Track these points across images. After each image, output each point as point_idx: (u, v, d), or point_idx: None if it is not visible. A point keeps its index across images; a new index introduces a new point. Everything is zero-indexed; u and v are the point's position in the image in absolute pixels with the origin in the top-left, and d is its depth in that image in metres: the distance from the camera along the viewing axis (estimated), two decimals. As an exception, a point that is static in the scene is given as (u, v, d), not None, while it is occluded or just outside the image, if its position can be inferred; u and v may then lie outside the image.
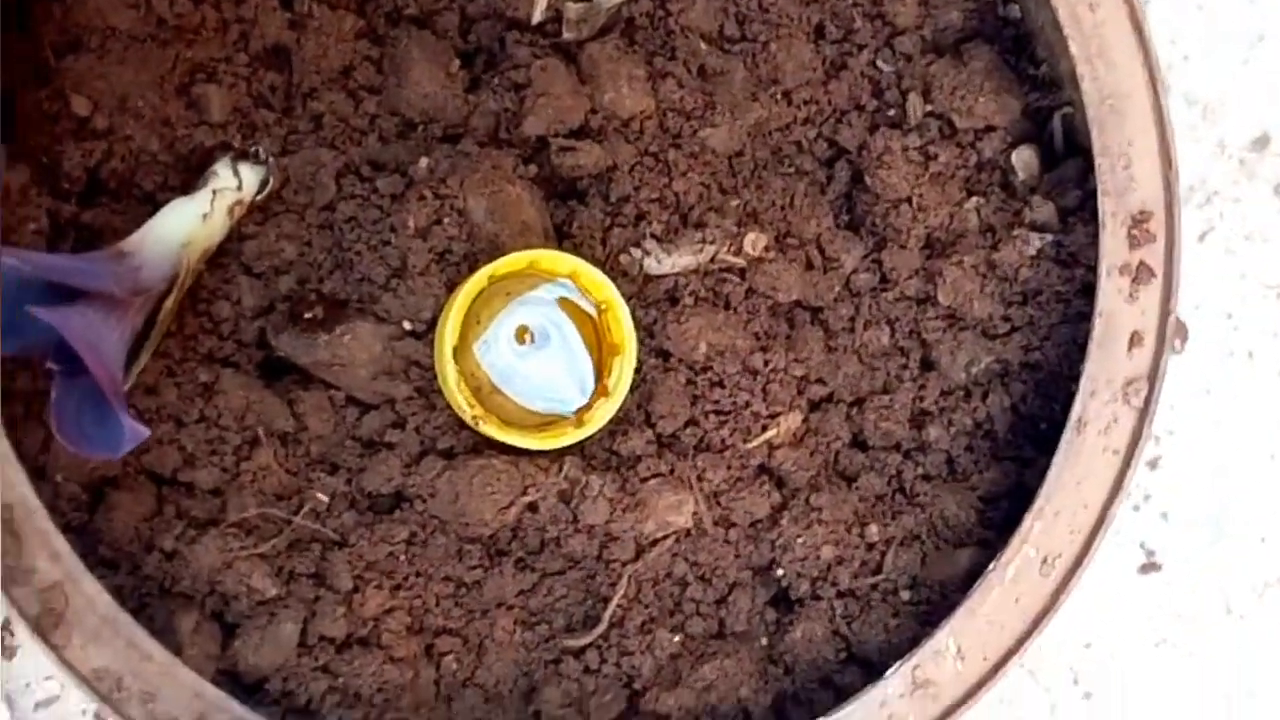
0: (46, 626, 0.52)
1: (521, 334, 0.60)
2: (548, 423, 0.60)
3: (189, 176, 0.59)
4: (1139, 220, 0.58)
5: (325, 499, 0.58)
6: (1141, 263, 0.58)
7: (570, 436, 0.59)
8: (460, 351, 0.58)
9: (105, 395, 0.49)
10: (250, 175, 0.58)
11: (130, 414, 0.49)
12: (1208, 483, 0.76)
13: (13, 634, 0.69)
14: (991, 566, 0.57)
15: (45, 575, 0.52)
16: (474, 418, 0.57)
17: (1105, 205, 0.58)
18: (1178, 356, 0.64)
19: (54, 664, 0.52)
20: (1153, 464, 0.66)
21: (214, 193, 0.57)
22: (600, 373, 0.61)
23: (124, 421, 0.49)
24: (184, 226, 0.55)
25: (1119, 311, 0.58)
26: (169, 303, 0.55)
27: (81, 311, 0.49)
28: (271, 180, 0.59)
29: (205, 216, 0.56)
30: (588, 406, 0.60)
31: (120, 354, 0.51)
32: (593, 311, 0.60)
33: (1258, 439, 0.76)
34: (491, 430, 0.58)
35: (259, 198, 0.59)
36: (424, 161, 0.59)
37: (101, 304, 0.50)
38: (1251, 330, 0.76)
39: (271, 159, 0.59)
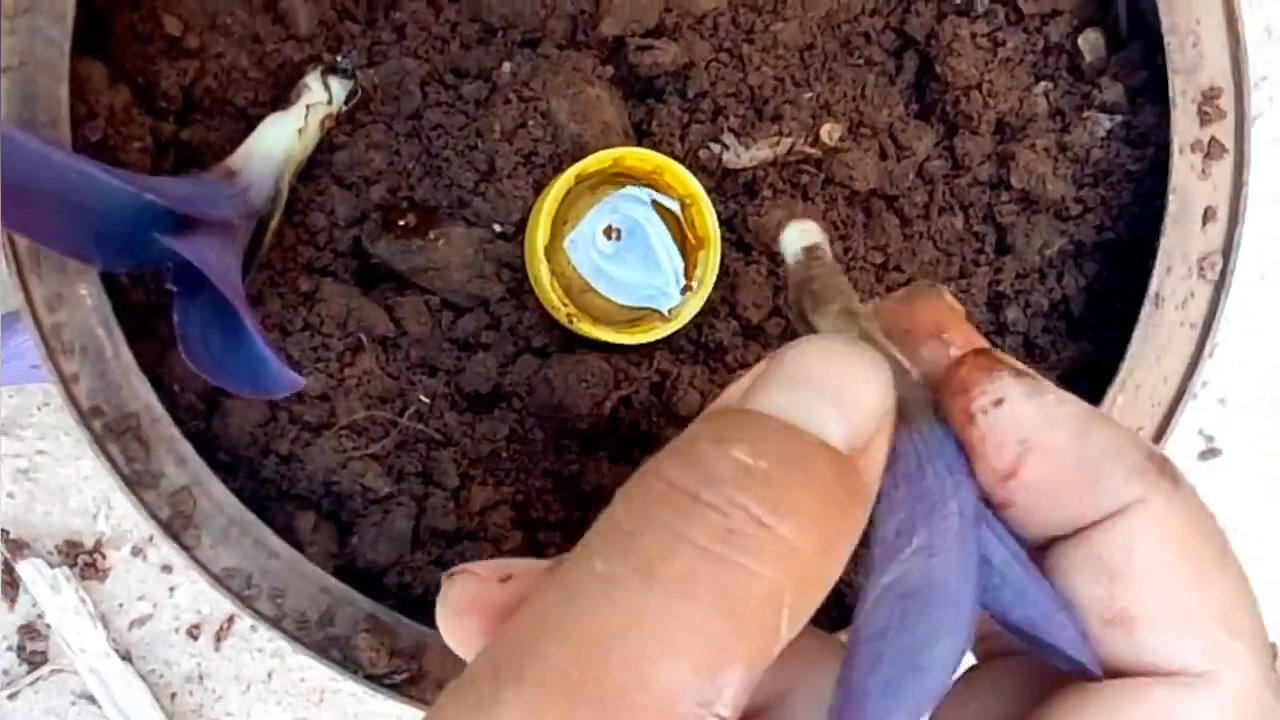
0: (177, 528, 0.54)
1: (609, 232, 0.61)
2: (637, 318, 0.62)
3: (279, 91, 0.60)
4: (1209, 97, 0.59)
5: (427, 400, 0.60)
6: (1213, 139, 0.59)
7: (659, 331, 0.61)
8: (551, 251, 0.60)
9: (248, 330, 0.50)
10: (339, 88, 0.60)
11: (280, 355, 0.50)
12: (1265, 369, 0.77)
13: (105, 556, 0.71)
14: (1075, 440, 0.59)
15: (173, 479, 0.55)
16: (568, 315, 0.59)
17: (1175, 83, 0.59)
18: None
19: (186, 563, 0.54)
20: (1209, 351, 0.68)
21: (307, 107, 0.58)
22: (687, 267, 0.62)
23: (274, 365, 0.50)
24: (283, 142, 0.57)
25: (1192, 187, 0.59)
26: (274, 223, 0.56)
27: (208, 241, 0.51)
28: (360, 90, 0.60)
29: (300, 131, 0.58)
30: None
31: (239, 278, 0.53)
32: (677, 209, 0.62)
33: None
34: (585, 327, 0.59)
35: (347, 107, 0.60)
36: (506, 66, 0.61)
37: (220, 230, 0.52)
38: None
39: (359, 71, 0.60)
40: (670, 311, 0.61)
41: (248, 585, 0.55)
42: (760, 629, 0.27)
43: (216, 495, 0.55)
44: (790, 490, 0.29)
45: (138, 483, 0.54)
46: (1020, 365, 0.33)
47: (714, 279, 0.61)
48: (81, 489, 0.72)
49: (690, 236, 0.62)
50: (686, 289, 0.61)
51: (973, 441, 0.32)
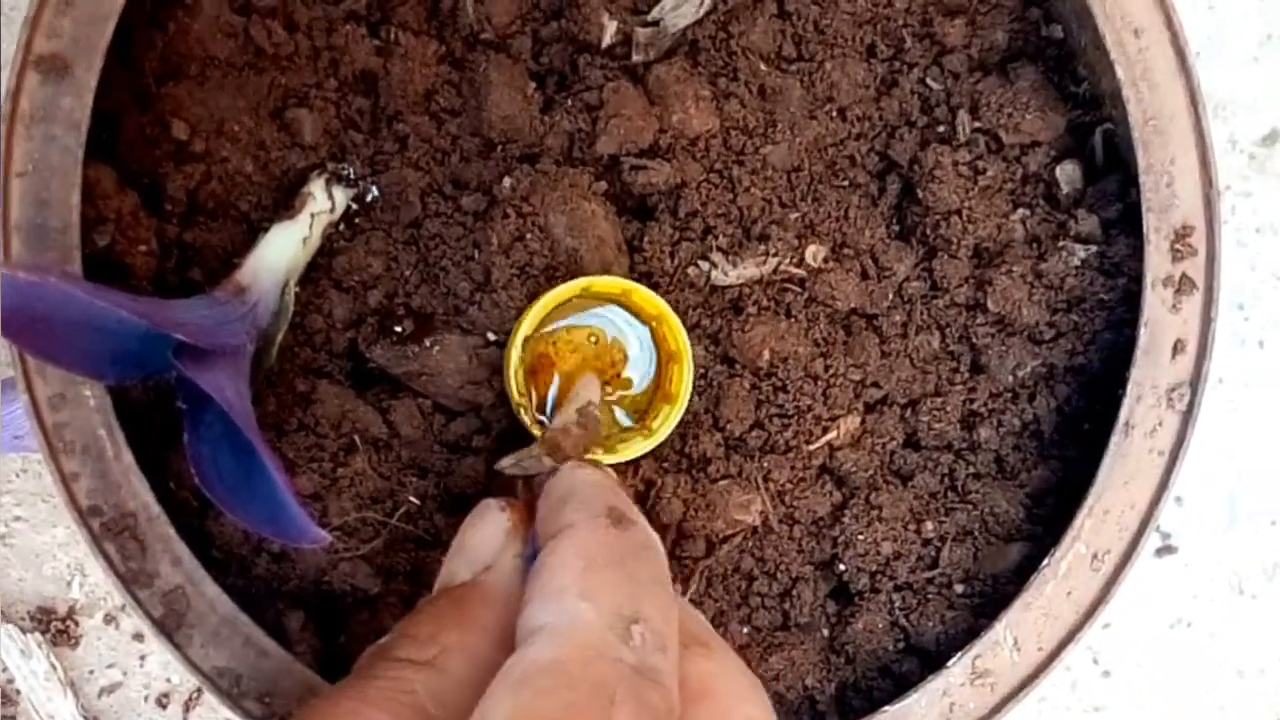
0: (170, 627, 0.55)
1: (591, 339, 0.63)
2: (618, 436, 0.63)
3: (281, 196, 0.62)
4: (1181, 235, 0.61)
5: (417, 501, 0.61)
6: (1184, 275, 0.61)
7: (642, 446, 0.62)
8: (527, 374, 0.62)
9: (263, 461, 0.51)
10: (341, 196, 0.61)
11: (304, 504, 0.52)
12: (1221, 468, 0.79)
13: (77, 623, 0.72)
14: (1045, 562, 0.60)
15: (168, 579, 0.56)
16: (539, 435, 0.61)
17: (1149, 221, 0.61)
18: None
19: (179, 663, 0.55)
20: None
21: (312, 216, 0.60)
22: (660, 380, 0.64)
23: (295, 513, 0.51)
24: (288, 252, 0.58)
25: (1163, 321, 0.61)
26: (280, 337, 0.58)
27: (221, 367, 0.52)
28: (370, 196, 0.62)
29: (305, 240, 0.59)
30: (652, 415, 0.63)
31: (249, 402, 0.54)
32: (645, 333, 0.63)
33: (1269, 426, 0.80)
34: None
35: (361, 211, 0.62)
36: (507, 181, 0.62)
37: (231, 353, 0.53)
38: (1262, 320, 0.79)
39: (364, 179, 0.62)
40: (648, 424, 0.62)
41: (237, 685, 0.56)
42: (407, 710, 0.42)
43: (210, 595, 0.56)
44: (416, 631, 0.45)
45: (133, 581, 0.55)
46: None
47: (689, 392, 0.62)
48: (56, 556, 0.73)
49: (664, 350, 0.63)
50: (662, 400, 0.63)
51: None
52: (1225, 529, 0.81)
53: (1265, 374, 0.81)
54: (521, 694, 0.38)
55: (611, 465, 0.62)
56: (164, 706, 0.74)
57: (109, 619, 0.73)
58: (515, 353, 0.60)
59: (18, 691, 0.72)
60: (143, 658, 0.74)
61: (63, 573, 0.73)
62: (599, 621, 0.41)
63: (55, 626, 0.73)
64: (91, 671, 0.74)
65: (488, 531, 0.49)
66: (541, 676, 0.39)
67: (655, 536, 0.47)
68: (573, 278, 0.61)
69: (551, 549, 0.44)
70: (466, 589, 0.47)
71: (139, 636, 0.74)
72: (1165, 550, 0.81)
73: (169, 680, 0.74)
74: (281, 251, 0.58)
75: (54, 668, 0.72)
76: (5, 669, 0.72)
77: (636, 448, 0.62)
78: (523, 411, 0.61)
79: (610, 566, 0.43)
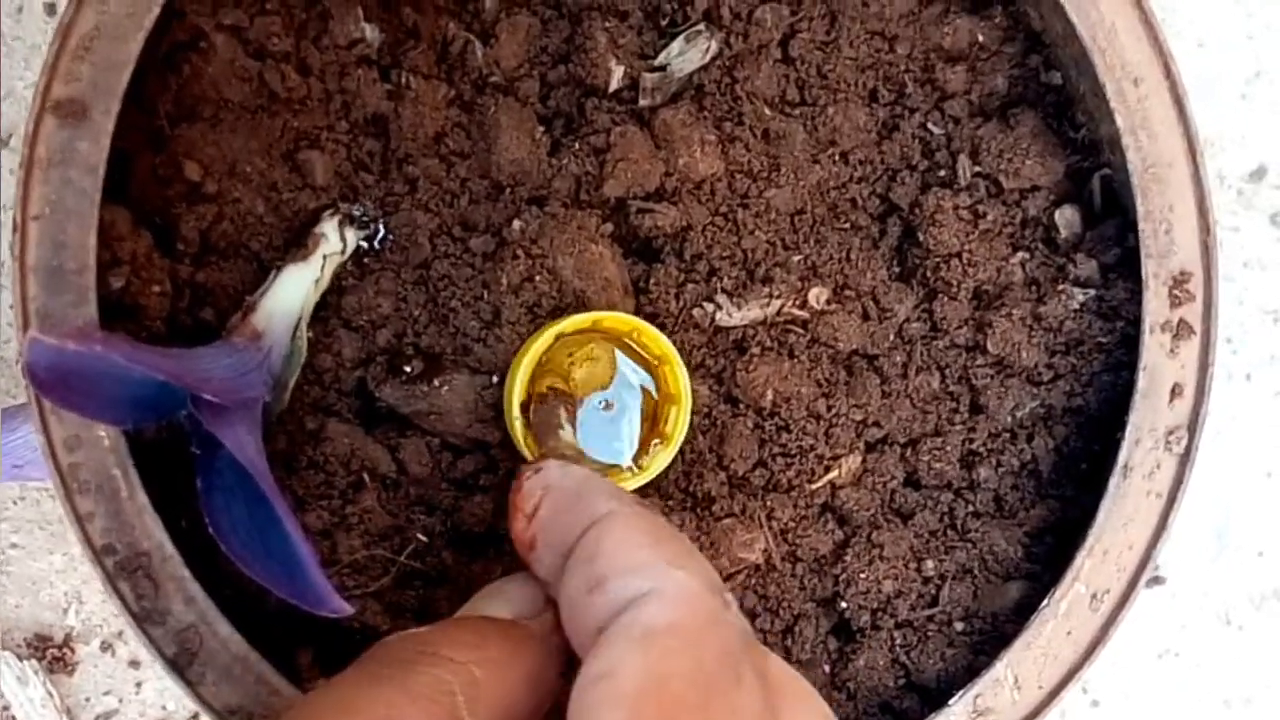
0: (182, 665, 0.56)
1: (607, 405, 0.64)
2: (606, 469, 0.64)
3: (292, 237, 0.63)
4: (1179, 281, 0.62)
5: (425, 539, 0.62)
6: (1182, 320, 0.62)
7: (630, 482, 0.63)
8: (528, 403, 0.62)
9: (291, 539, 0.52)
10: (352, 237, 0.62)
11: (330, 578, 0.53)
12: (1209, 500, 0.80)
13: (73, 650, 0.72)
14: (1045, 602, 0.61)
15: (180, 618, 0.56)
16: None
17: (1148, 267, 0.62)
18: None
19: (191, 700, 0.55)
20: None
21: (324, 257, 0.61)
22: (656, 421, 0.64)
23: (315, 576, 0.52)
24: (301, 294, 0.59)
25: (1161, 365, 0.62)
26: (293, 381, 0.59)
27: (239, 419, 0.53)
28: (380, 236, 0.63)
29: (317, 282, 0.60)
30: (644, 453, 0.64)
31: (264, 456, 0.55)
32: (651, 385, 0.64)
33: (1256, 458, 0.81)
34: None
35: (370, 252, 0.63)
36: (516, 223, 0.63)
37: (250, 405, 0.54)
38: (1250, 354, 0.80)
39: (375, 220, 0.63)
40: (639, 463, 0.63)
41: (248, 723, 0.57)
42: (439, 708, 0.40)
43: (222, 634, 0.56)
44: (459, 636, 0.44)
45: (146, 619, 0.56)
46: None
47: (683, 434, 0.63)
48: (53, 583, 0.73)
49: (663, 391, 0.64)
50: (655, 438, 0.64)
51: (514, 501, 0.48)
52: (1213, 560, 0.82)
53: (1252, 407, 0.82)
54: (651, 652, 0.38)
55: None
56: (159, 734, 0.74)
57: (105, 646, 0.74)
58: (517, 422, 0.61)
59: (14, 719, 0.72)
60: (139, 685, 0.75)
61: (59, 600, 0.74)
62: (702, 588, 0.40)
63: (52, 654, 0.74)
64: (88, 699, 0.74)
65: (529, 590, 0.48)
66: (666, 636, 0.38)
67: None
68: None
69: (600, 535, 0.42)
70: (511, 624, 0.46)
71: (135, 664, 0.74)
72: (1153, 581, 0.82)
73: (164, 708, 0.75)
74: (294, 294, 0.59)
75: (50, 695, 0.73)
76: (2, 696, 0.72)
77: (626, 484, 0.63)
78: (525, 448, 0.62)
79: (675, 540, 0.43)
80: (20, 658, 0.72)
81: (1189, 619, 0.82)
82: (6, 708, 0.72)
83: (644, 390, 0.64)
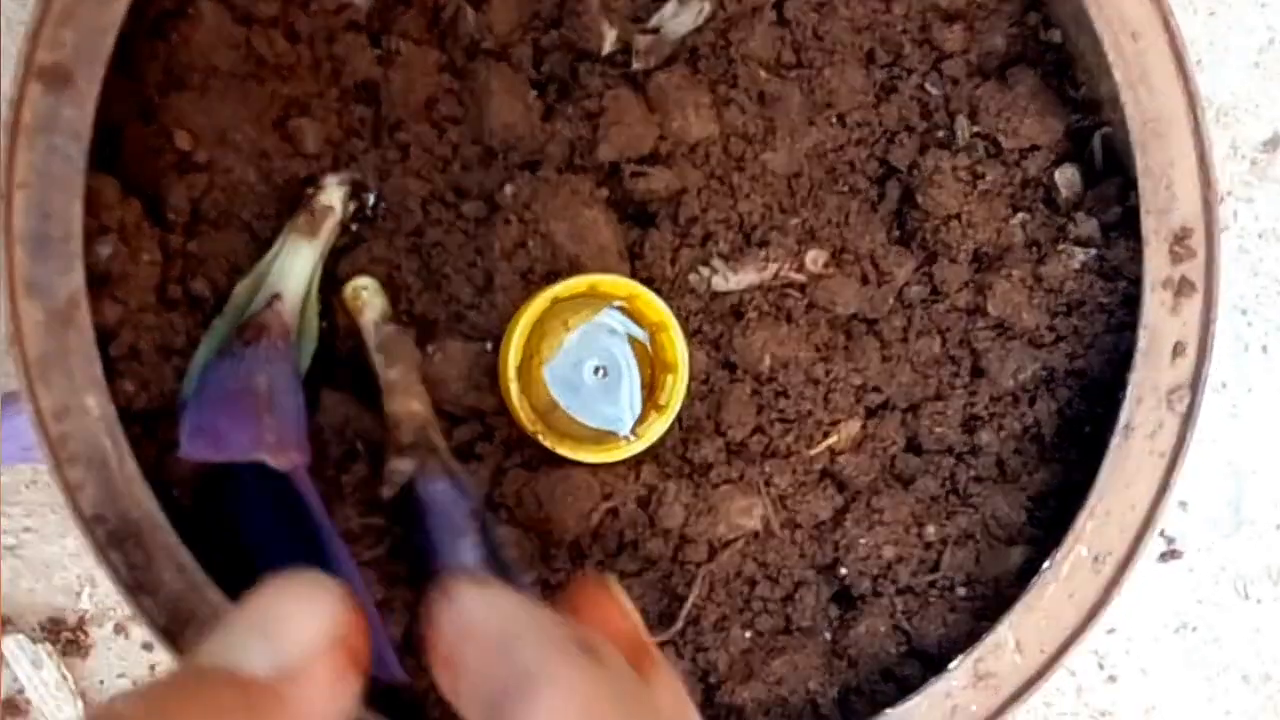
0: (175, 634, 0.55)
1: (597, 370, 0.64)
2: (604, 437, 0.64)
3: (283, 206, 0.62)
4: (1180, 237, 0.61)
5: (420, 508, 0.62)
6: (1183, 277, 0.61)
7: (625, 450, 0.63)
8: (523, 368, 0.62)
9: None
10: (351, 205, 0.62)
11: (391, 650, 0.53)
12: (1224, 473, 0.79)
13: (87, 633, 0.72)
14: (1047, 564, 0.61)
15: (171, 586, 0.56)
16: (533, 431, 0.61)
17: (1148, 224, 0.62)
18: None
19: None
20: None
21: (329, 230, 0.60)
22: (654, 389, 0.64)
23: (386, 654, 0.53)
24: (309, 271, 0.59)
25: (1162, 323, 0.61)
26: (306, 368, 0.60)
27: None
28: (372, 203, 0.62)
29: (322, 254, 0.60)
30: (641, 421, 0.64)
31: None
32: (645, 339, 0.64)
33: (1272, 430, 0.80)
34: (549, 442, 0.62)
35: (362, 219, 0.63)
36: (509, 188, 0.63)
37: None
38: (1265, 325, 0.79)
39: (376, 190, 0.62)
40: (635, 431, 0.63)
41: (241, 691, 0.56)
42: None
43: (214, 601, 0.56)
44: (174, 705, 0.33)
45: (138, 589, 0.55)
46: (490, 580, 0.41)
47: (679, 403, 0.63)
48: (66, 566, 0.73)
49: (659, 359, 0.64)
50: (651, 409, 0.63)
51: (426, 637, 0.38)
52: (1230, 533, 0.81)
53: (1268, 379, 0.81)
54: None
55: (604, 466, 0.62)
56: (174, 716, 0.74)
57: (119, 629, 0.74)
58: (513, 385, 0.61)
59: (28, 701, 0.72)
60: (153, 667, 0.74)
61: (72, 583, 0.74)
62: None
63: (65, 636, 0.73)
64: (102, 681, 0.74)
65: (314, 625, 0.36)
66: None
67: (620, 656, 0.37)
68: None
69: (529, 713, 0.33)
70: (263, 694, 0.34)
71: (149, 646, 0.74)
72: (1170, 555, 0.81)
73: (178, 689, 0.74)
74: (304, 272, 0.59)
75: (64, 678, 0.73)
76: (15, 679, 0.72)
77: (622, 451, 0.63)
78: (541, 437, 0.61)
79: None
80: (34, 641, 0.72)
81: (1206, 593, 0.82)
82: (21, 691, 0.72)
83: (634, 342, 0.64)
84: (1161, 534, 0.80)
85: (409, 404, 0.60)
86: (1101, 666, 0.81)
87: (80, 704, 0.73)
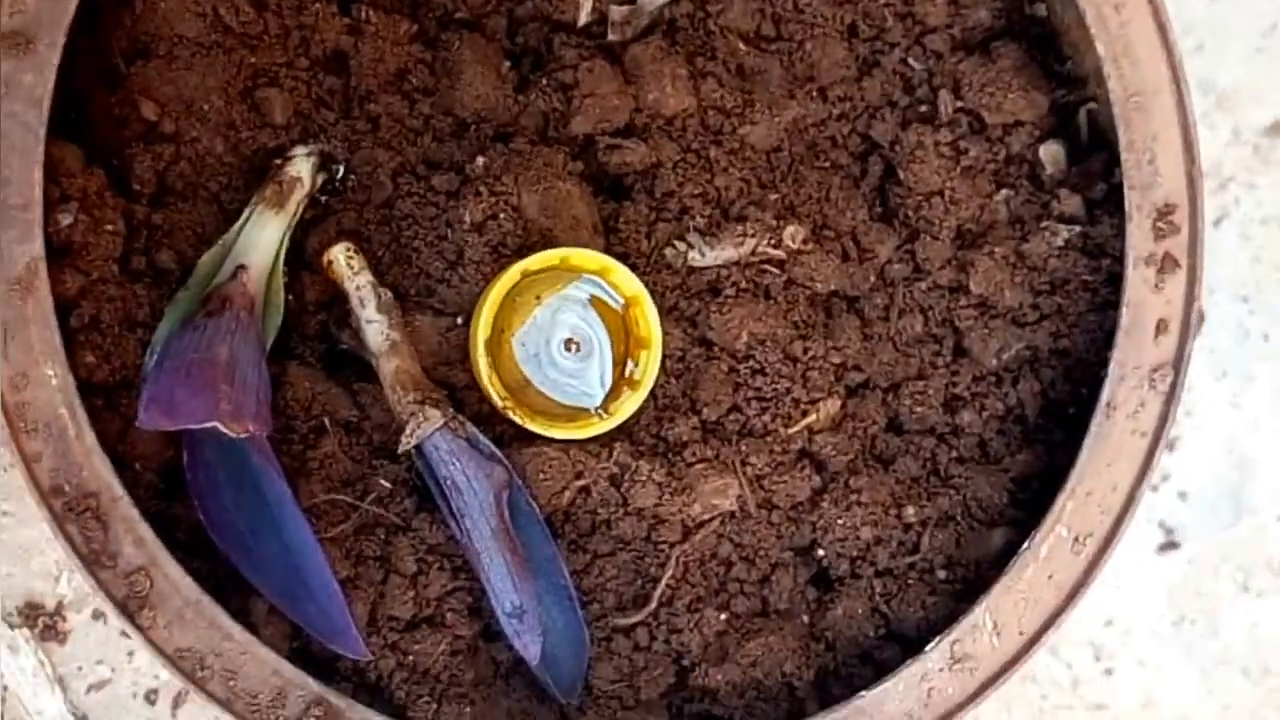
0: (132, 609, 0.55)
1: (569, 345, 0.62)
2: (576, 414, 0.63)
3: (251, 177, 0.61)
4: (1164, 213, 0.60)
5: (388, 485, 0.61)
6: (1167, 254, 0.60)
7: (597, 427, 0.62)
8: (493, 342, 0.61)
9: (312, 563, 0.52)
10: (320, 177, 0.61)
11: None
12: (1225, 463, 0.78)
13: (65, 619, 0.71)
14: (1025, 545, 0.60)
15: (130, 560, 0.55)
16: (504, 407, 0.60)
17: (1131, 199, 0.60)
18: (1195, 339, 0.66)
19: (140, 644, 0.54)
20: (1171, 445, 0.68)
21: (297, 202, 0.60)
22: (626, 365, 0.63)
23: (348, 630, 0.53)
24: (276, 243, 0.59)
25: (1145, 301, 0.60)
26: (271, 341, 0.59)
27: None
28: (340, 175, 0.61)
29: (289, 226, 0.59)
30: (614, 398, 0.63)
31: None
32: (618, 307, 0.63)
33: (1273, 419, 0.78)
34: (520, 419, 0.61)
35: (332, 190, 0.62)
36: (480, 160, 0.62)
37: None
38: (1266, 313, 0.78)
39: (345, 161, 0.61)
40: (609, 407, 0.62)
41: (201, 666, 0.56)
42: None
43: (173, 576, 0.55)
44: None
45: (94, 561, 0.55)
46: None
47: (653, 379, 0.62)
48: (44, 551, 0.72)
49: (633, 334, 0.63)
50: (625, 385, 0.62)
51: None
52: (1230, 525, 0.80)
53: (1269, 367, 0.80)
54: None
55: (576, 443, 0.61)
56: (152, 703, 0.73)
57: (97, 615, 0.72)
58: (483, 360, 0.60)
59: (5, 688, 0.71)
60: (131, 654, 0.73)
61: (51, 568, 0.72)
62: None
63: (43, 622, 0.72)
64: (80, 668, 0.73)
65: None
66: None
67: None
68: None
69: None
70: None
71: (127, 633, 0.73)
72: (1169, 546, 0.80)
73: (157, 676, 0.73)
74: (271, 245, 0.58)
75: (42, 664, 0.72)
76: (-7, 665, 0.71)
77: (594, 428, 0.62)
78: (511, 413, 0.61)
79: None
80: (11, 626, 0.71)
81: (1205, 585, 0.80)
82: None
83: (607, 314, 0.63)
84: (1161, 525, 0.79)
85: (411, 363, 0.59)
86: (1098, 659, 0.80)
87: (58, 690, 0.72)
